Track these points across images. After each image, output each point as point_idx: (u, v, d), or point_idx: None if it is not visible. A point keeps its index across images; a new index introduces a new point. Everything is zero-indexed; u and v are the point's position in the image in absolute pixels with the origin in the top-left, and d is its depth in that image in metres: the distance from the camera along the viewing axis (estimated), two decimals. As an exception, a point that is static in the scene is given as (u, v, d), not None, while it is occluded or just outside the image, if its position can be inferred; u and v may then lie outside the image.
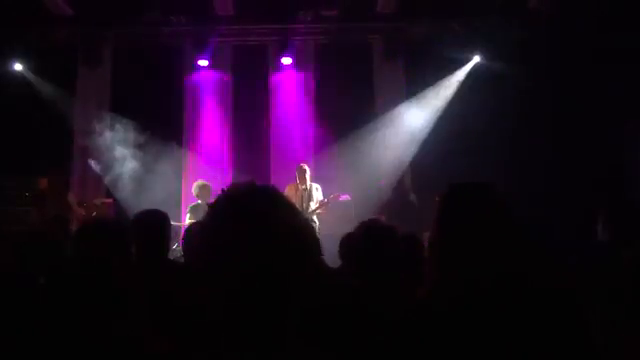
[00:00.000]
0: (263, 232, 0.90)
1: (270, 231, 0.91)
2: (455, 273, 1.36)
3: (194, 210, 6.40)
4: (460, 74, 7.97)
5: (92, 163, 7.41)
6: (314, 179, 6.84)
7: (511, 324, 1.26)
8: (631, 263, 1.57)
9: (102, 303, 1.42)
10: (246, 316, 0.89)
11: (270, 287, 0.89)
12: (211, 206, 0.98)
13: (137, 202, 6.78)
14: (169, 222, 2.84)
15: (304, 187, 6.61)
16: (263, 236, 0.90)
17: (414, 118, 7.94)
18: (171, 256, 4.23)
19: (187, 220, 6.46)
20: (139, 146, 7.42)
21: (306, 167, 6.70)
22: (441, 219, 1.43)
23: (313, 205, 6.57)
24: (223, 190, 0.99)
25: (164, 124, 7.83)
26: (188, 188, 7.13)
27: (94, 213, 6.25)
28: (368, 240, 2.27)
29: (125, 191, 7.31)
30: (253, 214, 0.92)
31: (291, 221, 0.94)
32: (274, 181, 7.37)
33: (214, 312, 0.91)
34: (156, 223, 2.71)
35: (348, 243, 2.87)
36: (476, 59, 7.94)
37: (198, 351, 0.94)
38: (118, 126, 7.63)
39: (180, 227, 6.40)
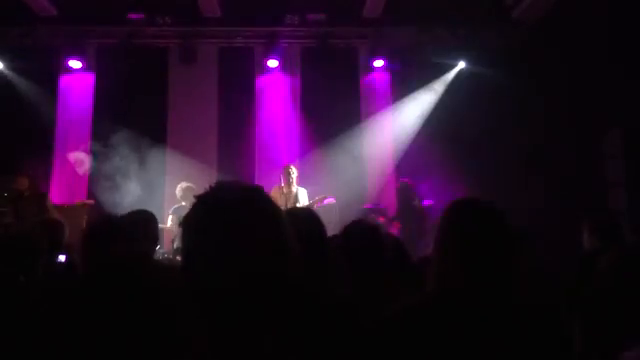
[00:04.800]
0: (244, 230, 0.89)
1: (251, 230, 0.90)
2: (450, 285, 1.37)
3: (177, 212, 6.35)
4: (445, 79, 8.05)
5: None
6: (299, 181, 6.82)
7: (497, 340, 1.28)
8: (605, 267, 1.60)
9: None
10: (225, 317, 0.88)
11: (248, 286, 0.88)
12: (195, 202, 0.97)
13: (119, 204, 6.70)
14: (156, 222, 2.84)
15: (290, 189, 6.56)
16: (244, 234, 0.89)
17: (399, 122, 7.99)
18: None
19: (169, 222, 6.39)
20: (122, 147, 7.33)
21: (293, 168, 6.63)
22: (444, 234, 1.45)
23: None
24: (210, 186, 0.98)
25: (148, 125, 7.74)
26: (172, 190, 7.07)
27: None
28: (351, 240, 2.27)
29: (107, 192, 7.21)
30: (234, 212, 0.91)
31: (272, 222, 0.93)
32: (259, 183, 7.33)
33: (194, 313, 0.90)
34: (143, 223, 2.71)
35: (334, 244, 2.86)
36: (461, 65, 8.02)
37: (179, 353, 0.93)
38: (101, 127, 7.56)
39: (163, 229, 6.34)
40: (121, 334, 1.32)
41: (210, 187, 0.97)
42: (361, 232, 2.31)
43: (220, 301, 0.88)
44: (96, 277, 1.53)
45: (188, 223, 0.94)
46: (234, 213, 0.91)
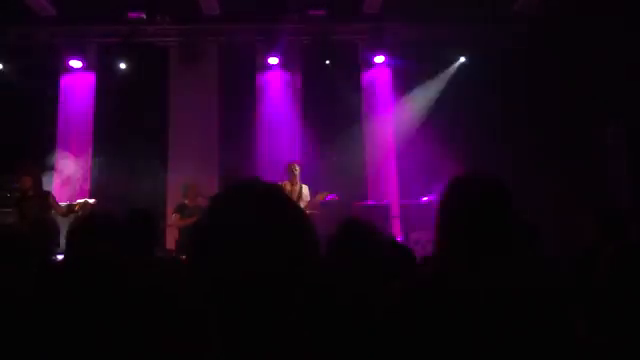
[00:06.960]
0: (265, 228, 0.89)
1: (273, 227, 0.89)
2: (454, 263, 1.36)
3: (180, 210, 6.37)
4: (445, 75, 8.02)
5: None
6: (301, 178, 6.83)
7: (500, 320, 1.28)
8: (609, 261, 1.60)
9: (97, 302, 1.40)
10: (241, 313, 0.88)
11: (268, 285, 0.87)
12: (212, 200, 0.96)
13: (122, 202, 6.71)
14: (157, 220, 2.86)
15: (293, 186, 6.57)
16: (265, 232, 0.89)
17: (400, 118, 7.98)
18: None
19: (172, 220, 6.41)
20: (124, 146, 7.34)
21: (296, 166, 6.65)
22: (446, 207, 1.43)
23: (302, 205, 6.55)
24: (228, 185, 0.98)
25: (149, 123, 7.75)
26: (173, 188, 7.07)
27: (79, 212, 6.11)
28: (348, 236, 2.29)
29: (109, 191, 7.22)
30: (255, 210, 0.90)
31: (295, 220, 0.93)
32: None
33: (205, 309, 0.89)
34: (143, 221, 2.72)
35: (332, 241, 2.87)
36: (461, 60, 8.00)
37: (187, 349, 0.92)
38: (102, 126, 7.56)
39: (165, 227, 6.36)
40: (104, 331, 1.32)
41: (237, 182, 0.97)
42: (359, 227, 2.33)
43: (242, 294, 0.87)
44: (75, 274, 1.53)
45: (219, 213, 0.93)
46: (269, 204, 0.91)
